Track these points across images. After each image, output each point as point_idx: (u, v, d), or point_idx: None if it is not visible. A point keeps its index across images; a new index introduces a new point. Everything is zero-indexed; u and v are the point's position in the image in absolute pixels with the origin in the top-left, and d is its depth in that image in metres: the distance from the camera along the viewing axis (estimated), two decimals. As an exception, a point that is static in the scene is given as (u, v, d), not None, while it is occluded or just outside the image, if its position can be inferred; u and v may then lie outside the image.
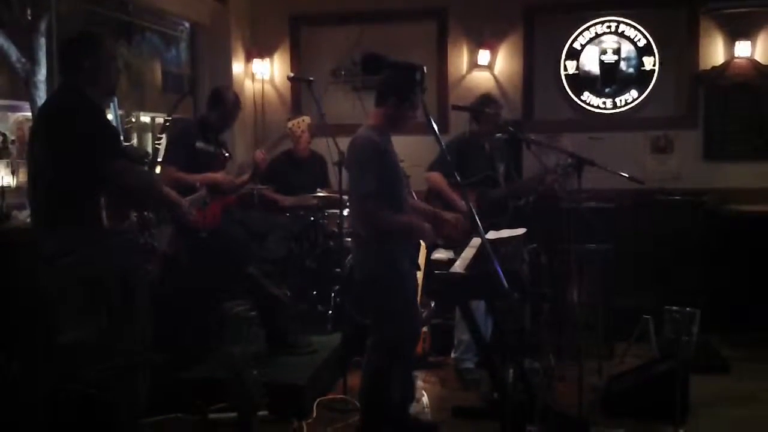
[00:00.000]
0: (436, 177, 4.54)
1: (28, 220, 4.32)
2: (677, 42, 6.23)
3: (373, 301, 3.47)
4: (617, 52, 6.31)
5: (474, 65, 6.48)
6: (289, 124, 4.68)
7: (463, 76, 6.53)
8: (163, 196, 3.32)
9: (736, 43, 6.03)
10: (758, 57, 6.05)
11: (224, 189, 4.33)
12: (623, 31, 6.27)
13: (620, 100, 6.31)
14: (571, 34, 6.33)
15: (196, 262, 4.24)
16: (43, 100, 4.57)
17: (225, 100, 4.50)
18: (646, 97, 6.25)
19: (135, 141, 6.17)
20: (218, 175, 4.32)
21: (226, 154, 4.58)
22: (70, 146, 2.87)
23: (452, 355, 4.70)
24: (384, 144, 3.38)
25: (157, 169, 4.18)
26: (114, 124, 4.67)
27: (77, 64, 3.05)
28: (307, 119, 4.73)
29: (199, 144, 4.38)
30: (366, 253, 3.43)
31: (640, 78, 6.25)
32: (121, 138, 3.32)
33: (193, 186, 4.18)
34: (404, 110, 3.36)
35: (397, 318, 3.38)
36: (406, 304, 3.42)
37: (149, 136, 6.47)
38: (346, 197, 4.97)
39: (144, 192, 3.15)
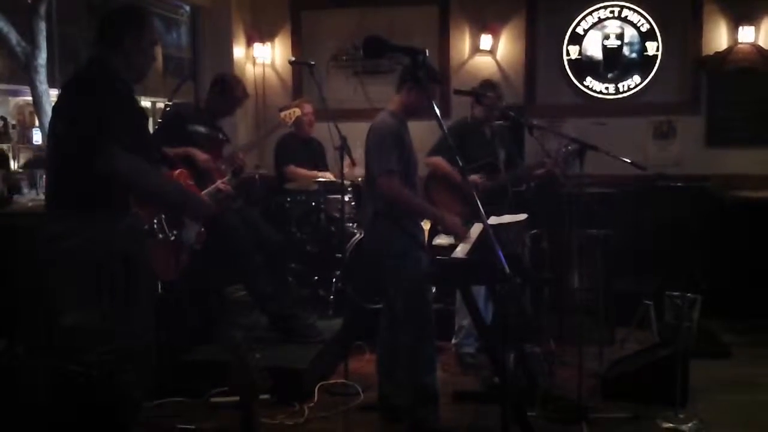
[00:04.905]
0: (438, 160, 4.53)
1: (30, 203, 4.33)
2: (680, 27, 6.19)
3: (388, 273, 3.57)
4: (620, 37, 6.27)
5: (476, 50, 6.45)
6: (282, 114, 4.74)
7: (465, 61, 6.50)
8: (176, 197, 2.99)
9: (740, 28, 6.00)
10: (762, 42, 6.01)
11: (201, 166, 4.18)
12: (626, 16, 6.24)
13: (623, 86, 6.28)
14: (574, 19, 6.30)
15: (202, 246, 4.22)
16: (43, 85, 4.55)
17: (233, 88, 4.47)
18: (648, 82, 6.22)
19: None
20: (191, 149, 4.18)
21: (221, 137, 4.53)
22: (76, 119, 2.61)
23: (453, 340, 4.72)
24: (400, 128, 3.53)
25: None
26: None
27: (116, 38, 2.77)
28: (297, 111, 4.77)
29: (192, 127, 4.34)
30: (382, 227, 3.54)
31: (643, 63, 6.22)
32: (147, 125, 3.03)
33: (173, 161, 4.07)
34: (419, 97, 3.48)
35: (411, 289, 3.49)
36: (419, 276, 3.49)
37: (150, 121, 6.44)
38: (347, 182, 4.99)
39: (152, 195, 2.89)
